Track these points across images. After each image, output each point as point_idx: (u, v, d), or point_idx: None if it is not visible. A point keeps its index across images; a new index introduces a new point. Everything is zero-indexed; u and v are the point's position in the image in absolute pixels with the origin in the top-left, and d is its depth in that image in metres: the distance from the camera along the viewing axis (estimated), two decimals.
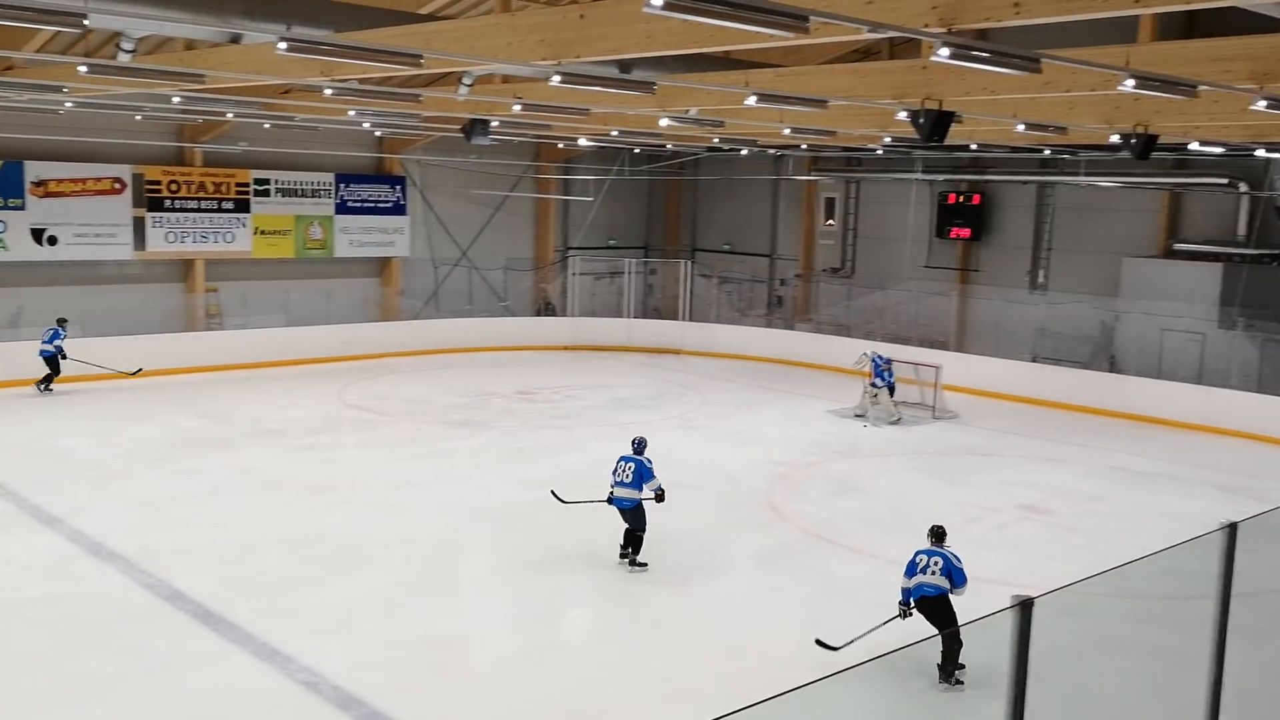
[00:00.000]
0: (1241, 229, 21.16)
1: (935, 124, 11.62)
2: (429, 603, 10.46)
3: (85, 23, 8.08)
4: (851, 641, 8.97)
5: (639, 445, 11.71)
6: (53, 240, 22.26)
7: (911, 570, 9.00)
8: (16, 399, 19.43)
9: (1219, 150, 18.87)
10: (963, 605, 8.85)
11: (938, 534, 9.17)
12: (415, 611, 10.19)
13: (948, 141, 12.70)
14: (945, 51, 7.66)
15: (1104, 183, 22.86)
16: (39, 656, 8.96)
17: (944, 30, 7.39)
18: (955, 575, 8.81)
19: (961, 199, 25.68)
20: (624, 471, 11.41)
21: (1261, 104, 10.83)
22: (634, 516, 11.50)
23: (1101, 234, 23.67)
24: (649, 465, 11.42)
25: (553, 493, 12.46)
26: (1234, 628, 6.03)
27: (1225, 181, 21.11)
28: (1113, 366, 22.32)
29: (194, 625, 9.66)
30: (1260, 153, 18.61)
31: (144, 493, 13.83)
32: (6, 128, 21.13)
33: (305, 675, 8.69)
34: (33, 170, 21.94)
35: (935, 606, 8.90)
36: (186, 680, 8.66)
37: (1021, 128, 14.80)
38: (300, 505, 13.46)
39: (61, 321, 20.05)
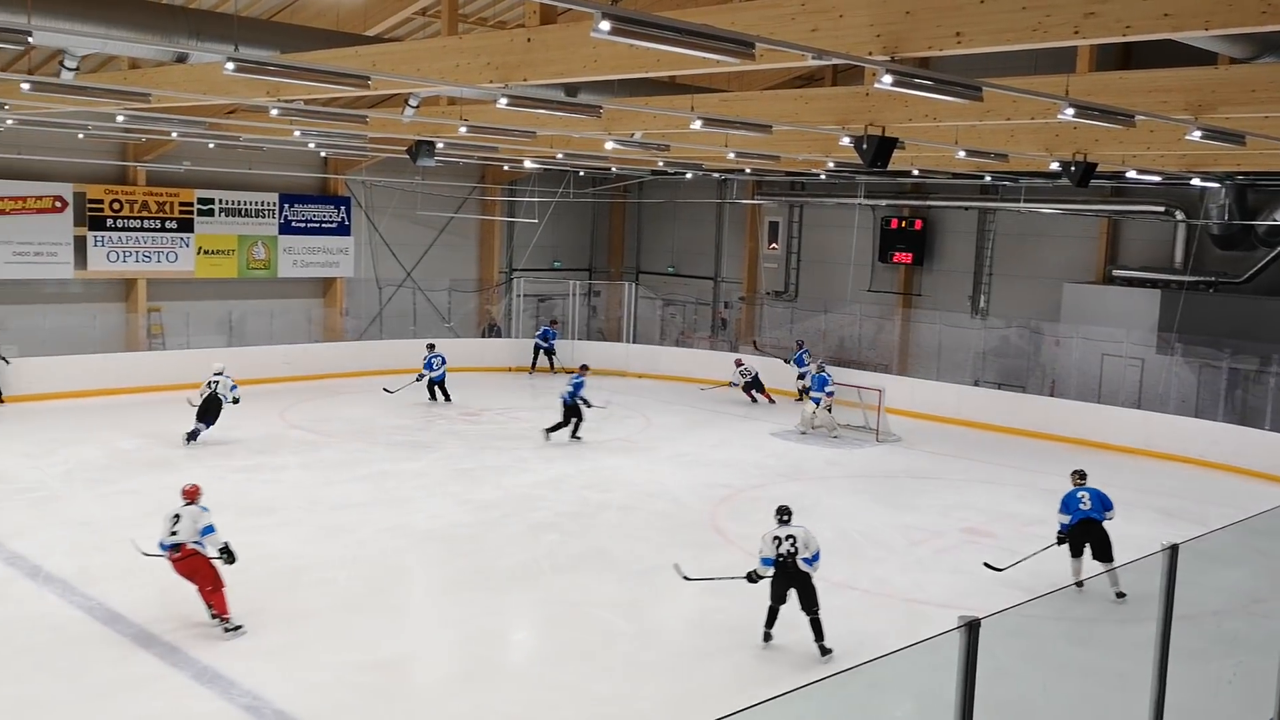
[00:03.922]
0: (1178, 256, 21.73)
1: (878, 150, 11.82)
2: (373, 624, 10.38)
3: (29, 40, 7.98)
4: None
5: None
6: None
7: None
8: None
9: (1156, 179, 19.43)
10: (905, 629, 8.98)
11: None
12: (359, 633, 10.11)
13: (890, 167, 12.91)
14: (888, 79, 7.83)
15: (1044, 209, 23.37)
16: None
17: (887, 58, 7.57)
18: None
19: (904, 224, 26.09)
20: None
21: (1197, 134, 11.18)
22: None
23: (1042, 260, 24.18)
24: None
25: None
26: (1175, 649, 6.14)
27: (1162, 210, 21.68)
28: (1053, 391, 22.76)
29: (134, 648, 9.49)
30: (1196, 182, 19.17)
31: (83, 514, 13.57)
32: None
33: (247, 699, 8.58)
34: None
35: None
36: (127, 704, 8.51)
37: (963, 154, 15.13)
38: (242, 526, 13.21)
39: None
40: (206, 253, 24.95)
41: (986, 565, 12.07)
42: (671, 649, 10.18)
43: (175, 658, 9.30)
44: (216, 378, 17.77)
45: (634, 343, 28.17)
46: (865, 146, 11.87)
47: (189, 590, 10.86)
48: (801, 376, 22.95)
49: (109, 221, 23.38)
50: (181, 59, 11.97)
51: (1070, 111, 9.64)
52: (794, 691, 4.13)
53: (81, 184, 23.01)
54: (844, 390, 20.72)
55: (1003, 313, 24.60)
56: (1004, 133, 14.99)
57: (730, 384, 23.82)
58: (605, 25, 6.27)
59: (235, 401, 17.78)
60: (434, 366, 22.33)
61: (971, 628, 4.58)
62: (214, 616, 9.92)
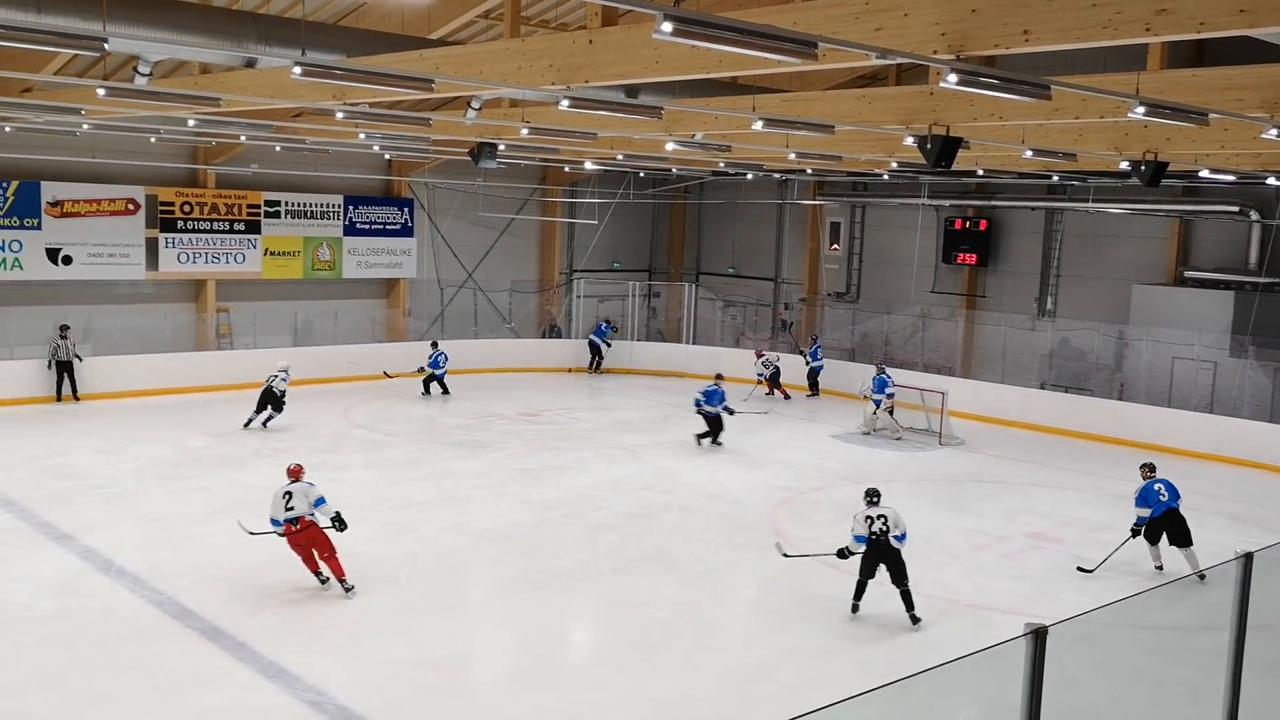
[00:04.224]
0: (1253, 257, 21.19)
1: (942, 149, 11.69)
2: (433, 622, 10.48)
3: (105, 46, 8.18)
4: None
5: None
6: (67, 260, 22.45)
7: (1150, 498, 12.17)
8: (27, 416, 19.53)
9: (1230, 178, 18.94)
10: (969, 635, 8.95)
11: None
12: (419, 631, 10.21)
13: (955, 167, 12.75)
14: (954, 78, 7.74)
15: (1113, 209, 22.92)
16: (49, 673, 8.99)
17: (952, 56, 7.47)
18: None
19: (968, 224, 25.75)
20: (881, 521, 10.65)
21: (1272, 133, 10.90)
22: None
23: (1110, 261, 23.71)
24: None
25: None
26: (1249, 660, 5.99)
27: (1236, 209, 21.15)
28: (1122, 394, 22.30)
29: (202, 642, 9.69)
30: (1271, 181, 18.67)
31: (154, 510, 13.88)
32: (24, 149, 21.32)
33: (311, 694, 8.71)
34: (49, 190, 22.14)
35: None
36: (194, 697, 8.68)
37: (1030, 153, 14.89)
38: None
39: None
40: (273, 254, 25.40)
41: (1080, 569, 12.53)
42: (731, 651, 10.14)
43: (242, 652, 9.46)
44: (277, 373, 19.00)
45: (693, 344, 28.12)
46: (929, 146, 11.74)
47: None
48: (813, 370, 24.44)
49: (179, 223, 23.90)
50: (250, 64, 12.18)
51: (1141, 110, 9.45)
52: (857, 696, 4.09)
53: (153, 187, 23.55)
54: (906, 393, 20.50)
55: (1070, 314, 24.16)
56: (1072, 132, 14.72)
57: (757, 379, 24.28)
58: (667, 27, 6.26)
59: (280, 394, 19.10)
60: (439, 364, 23.14)
61: (1038, 635, 4.50)
62: (323, 581, 11.07)
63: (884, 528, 10.57)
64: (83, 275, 22.72)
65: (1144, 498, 12.27)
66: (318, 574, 11.06)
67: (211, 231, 24.38)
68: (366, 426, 19.78)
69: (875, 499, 10.84)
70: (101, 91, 11.89)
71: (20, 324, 21.31)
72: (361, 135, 18.63)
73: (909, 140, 12.77)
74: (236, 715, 8.43)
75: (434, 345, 23.62)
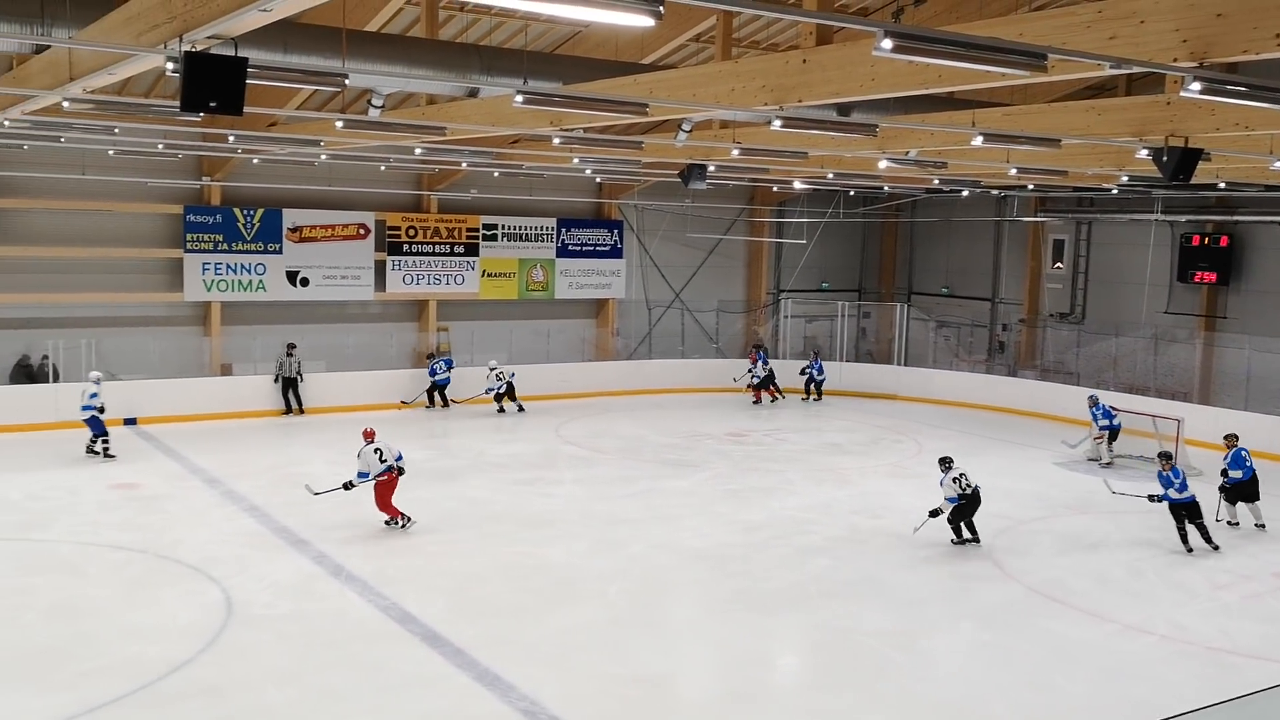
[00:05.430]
0: None
1: (1180, 162, 11.01)
2: (642, 639, 10.57)
3: (345, 81, 8.72)
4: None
5: (948, 461, 13.97)
6: (305, 282, 24.08)
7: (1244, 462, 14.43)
8: (264, 427, 20.99)
9: None
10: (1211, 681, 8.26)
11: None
12: (628, 647, 10.32)
13: (1192, 180, 11.97)
14: (1196, 86, 7.27)
15: None
16: (286, 668, 9.60)
17: (1194, 64, 7.02)
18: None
19: (1206, 241, 24.10)
20: (965, 478, 13.73)
21: None
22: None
23: None
24: None
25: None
26: None
27: None
28: None
29: (422, 647, 10.11)
30: None
31: (379, 519, 14.59)
32: (269, 179, 23.08)
33: (525, 704, 8.93)
34: (289, 217, 23.83)
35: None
36: (417, 700, 9.06)
37: (1279, 165, 13.81)
38: (521, 537, 13.91)
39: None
40: (490, 275, 26.44)
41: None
42: (947, 683, 9.77)
43: (460, 659, 9.81)
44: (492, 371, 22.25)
45: (905, 365, 27.44)
46: (1165, 159, 11.09)
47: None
48: (804, 373, 25.55)
49: (405, 246, 25.22)
50: (473, 93, 12.73)
51: None
52: None
53: (382, 212, 24.96)
54: (1138, 419, 19.31)
55: None
56: None
57: (749, 386, 24.96)
58: (887, 44, 6.15)
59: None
60: (437, 372, 23.03)
61: None
62: (392, 524, 13.74)
63: (970, 482, 13.52)
64: (318, 296, 24.30)
65: (1238, 462, 14.60)
66: (392, 520, 13.74)
67: (434, 254, 25.62)
68: (577, 443, 20.24)
69: (949, 464, 13.79)
70: (340, 123, 12.69)
71: (262, 342, 22.95)
72: (575, 159, 19.17)
73: (1142, 153, 12.10)
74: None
75: (429, 357, 23.55)
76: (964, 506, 13.61)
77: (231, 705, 8.86)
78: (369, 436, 13.77)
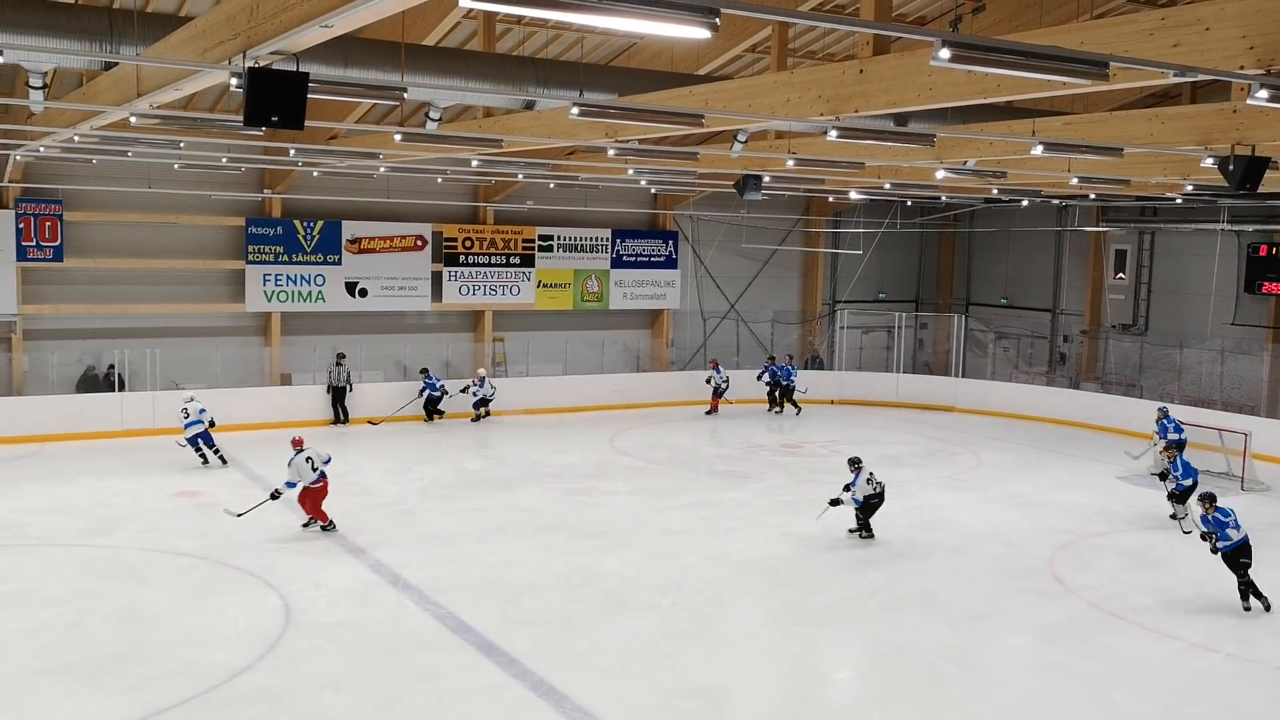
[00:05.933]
0: None
1: (1247, 171, 10.79)
2: (695, 651, 10.53)
3: (404, 95, 8.83)
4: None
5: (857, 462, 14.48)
6: (364, 292, 24.39)
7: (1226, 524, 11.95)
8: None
9: None
10: None
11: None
12: (681, 659, 10.29)
13: (1260, 189, 11.71)
14: (1264, 94, 7.13)
15: None
16: (343, 675, 9.69)
17: (1262, 71, 6.87)
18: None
19: (1275, 251, 23.56)
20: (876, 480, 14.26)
21: None
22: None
23: None
24: None
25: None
26: None
27: None
28: None
29: (478, 656, 10.16)
30: None
31: (435, 528, 14.74)
32: (329, 191, 23.44)
33: (579, 715, 8.94)
34: (349, 229, 24.17)
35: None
36: (473, 709, 9.11)
37: None
38: (575, 547, 13.94)
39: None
40: (545, 286, 26.59)
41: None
42: (1006, 702, 9.61)
43: (515, 669, 9.85)
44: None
45: (963, 377, 27.12)
46: (1232, 168, 10.88)
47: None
48: (760, 378, 24.95)
49: (461, 258, 25.46)
50: (530, 106, 12.84)
51: None
52: None
53: (439, 224, 25.22)
54: (1204, 433, 18.87)
55: None
56: None
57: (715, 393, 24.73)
58: (945, 53, 6.10)
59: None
60: (435, 387, 22.85)
61: None
62: (311, 525, 14.15)
63: (880, 483, 14.31)
64: (376, 307, 24.60)
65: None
66: (315, 520, 14.08)
67: (490, 265, 25.83)
68: (630, 454, 20.25)
69: (858, 465, 14.34)
70: (398, 136, 12.84)
71: (321, 352, 23.25)
72: (630, 170, 19.21)
73: (1208, 162, 11.84)
74: None
75: (423, 372, 23.09)
76: (874, 504, 14.31)
77: (289, 711, 8.97)
78: (298, 444, 14.13)
